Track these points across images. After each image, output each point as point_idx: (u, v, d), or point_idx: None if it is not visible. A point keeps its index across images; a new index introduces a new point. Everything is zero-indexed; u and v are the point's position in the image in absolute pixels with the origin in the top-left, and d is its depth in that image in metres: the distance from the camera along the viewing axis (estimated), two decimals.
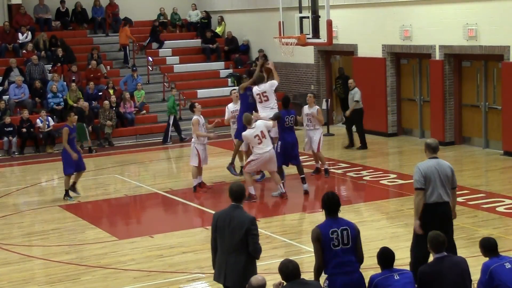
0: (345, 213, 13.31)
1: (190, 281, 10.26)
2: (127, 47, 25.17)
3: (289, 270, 6.66)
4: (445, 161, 9.13)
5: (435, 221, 8.83)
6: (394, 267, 7.23)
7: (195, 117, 15.24)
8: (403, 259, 9.10)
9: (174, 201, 15.10)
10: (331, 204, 7.29)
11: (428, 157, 9.08)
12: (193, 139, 15.35)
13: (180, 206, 14.88)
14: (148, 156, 19.86)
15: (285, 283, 6.70)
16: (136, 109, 22.68)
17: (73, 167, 14.86)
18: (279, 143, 14.76)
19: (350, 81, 19.66)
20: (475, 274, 7.50)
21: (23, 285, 10.40)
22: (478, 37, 17.95)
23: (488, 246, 7.46)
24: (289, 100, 15.32)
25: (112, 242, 12.23)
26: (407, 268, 8.47)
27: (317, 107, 16.27)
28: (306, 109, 16.18)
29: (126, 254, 11.57)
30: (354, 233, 7.21)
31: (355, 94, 19.17)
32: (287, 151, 14.70)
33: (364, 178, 16.17)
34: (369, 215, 13.39)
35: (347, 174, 16.58)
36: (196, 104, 15.63)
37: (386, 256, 7.18)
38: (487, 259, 7.48)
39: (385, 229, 12.31)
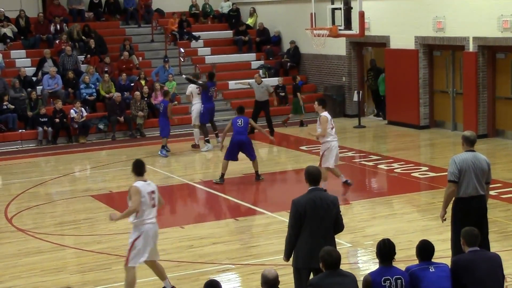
0: (376, 205, 13.39)
1: (220, 272, 10.29)
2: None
3: (332, 259, 6.70)
4: (482, 155, 8.96)
5: (470, 215, 8.73)
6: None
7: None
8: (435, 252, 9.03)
9: (205, 192, 15.15)
10: (386, 251, 7.03)
11: (465, 150, 8.94)
12: (325, 138, 13.76)
13: (210, 197, 14.92)
14: (178, 147, 19.92)
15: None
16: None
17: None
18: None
19: (256, 75, 20.85)
20: (508, 268, 7.44)
21: (56, 274, 10.53)
22: None
23: None
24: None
25: None
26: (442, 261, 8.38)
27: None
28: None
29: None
30: (407, 283, 6.93)
31: (268, 87, 20.40)
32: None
33: (395, 170, 16.07)
34: (400, 208, 13.31)
35: (378, 166, 16.49)
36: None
37: (424, 249, 7.12)
38: None
39: (416, 222, 12.23)
